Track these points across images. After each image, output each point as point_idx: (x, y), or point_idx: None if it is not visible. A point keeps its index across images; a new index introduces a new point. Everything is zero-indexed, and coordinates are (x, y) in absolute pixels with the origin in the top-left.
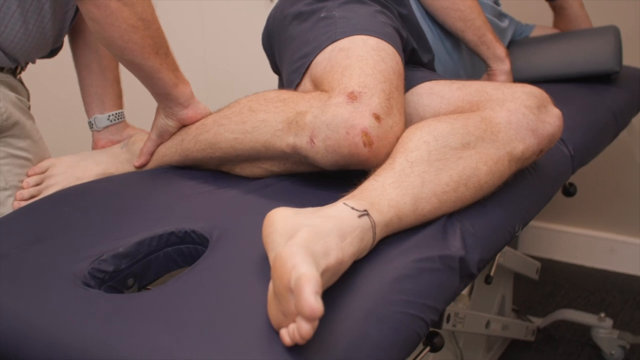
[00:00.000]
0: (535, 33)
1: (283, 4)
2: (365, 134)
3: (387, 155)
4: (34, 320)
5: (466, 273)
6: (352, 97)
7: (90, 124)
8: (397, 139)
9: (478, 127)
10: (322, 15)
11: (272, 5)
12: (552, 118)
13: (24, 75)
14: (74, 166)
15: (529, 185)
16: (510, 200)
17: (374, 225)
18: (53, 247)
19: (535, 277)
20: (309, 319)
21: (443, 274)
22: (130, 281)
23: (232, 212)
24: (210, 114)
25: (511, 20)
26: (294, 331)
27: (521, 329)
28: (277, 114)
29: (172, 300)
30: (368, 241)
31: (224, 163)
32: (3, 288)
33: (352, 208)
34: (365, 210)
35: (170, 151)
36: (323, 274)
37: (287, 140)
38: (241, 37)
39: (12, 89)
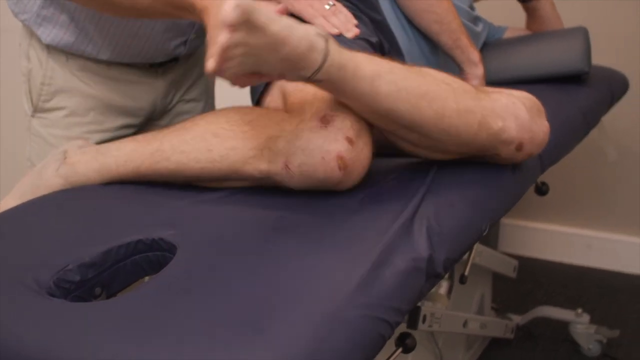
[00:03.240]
0: (507, 35)
1: None
2: (340, 157)
3: (359, 177)
4: None
5: (432, 273)
6: (325, 121)
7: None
8: (368, 160)
9: (465, 88)
10: None
11: None
12: (541, 122)
13: None
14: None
15: (497, 185)
16: (477, 199)
17: (326, 51)
18: (15, 257)
19: (513, 275)
20: (224, 21)
21: (408, 275)
22: (97, 290)
23: (201, 220)
24: None
25: (485, 23)
26: (212, 48)
27: (500, 327)
28: (247, 140)
29: (139, 307)
30: (315, 59)
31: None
32: None
33: (315, 28)
34: (326, 36)
35: (121, 176)
36: (256, 23)
37: (259, 167)
38: None
39: (84, 80)
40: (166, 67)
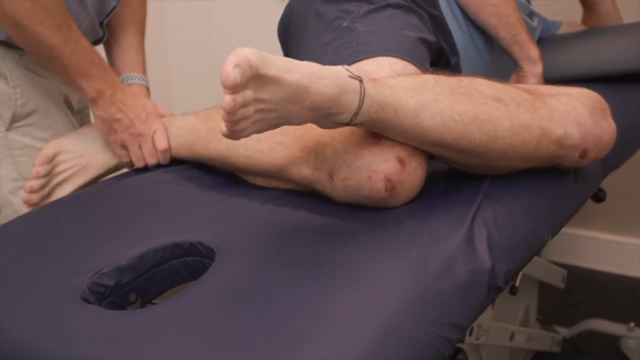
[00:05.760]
0: (563, 30)
1: None
2: (388, 179)
3: (409, 198)
4: (29, 339)
5: (494, 286)
6: (378, 136)
7: None
8: (421, 180)
9: (519, 95)
10: (344, 24)
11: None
12: (606, 123)
13: None
14: (80, 153)
15: (558, 192)
16: (537, 207)
17: (362, 93)
18: (50, 259)
19: (562, 285)
20: (223, 84)
21: (470, 289)
22: (132, 296)
23: (241, 223)
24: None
25: (539, 17)
26: (221, 110)
27: (546, 340)
28: (297, 139)
29: (177, 317)
30: (351, 103)
31: (237, 171)
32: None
33: (347, 69)
34: (360, 77)
35: (177, 147)
36: (268, 77)
37: (303, 171)
38: (250, 35)
39: (42, 73)
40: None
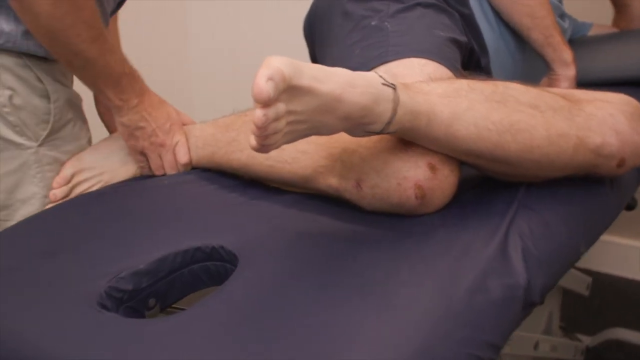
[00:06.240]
0: (593, 32)
1: None
2: (419, 186)
3: (440, 206)
4: (44, 345)
5: (529, 302)
6: (407, 142)
7: None
8: (453, 188)
9: (556, 102)
10: (373, 24)
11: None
12: None
13: None
14: (100, 170)
15: (594, 201)
16: (575, 218)
17: (396, 101)
18: (66, 261)
19: (586, 293)
20: (256, 99)
21: (505, 305)
22: (151, 301)
23: (263, 228)
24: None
25: (570, 18)
26: (251, 124)
27: (570, 349)
28: (321, 147)
29: (200, 327)
30: (384, 111)
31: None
32: (12, 308)
33: (381, 76)
34: (394, 85)
35: (197, 158)
36: (300, 88)
37: (329, 180)
38: (272, 36)
39: (67, 83)
40: None
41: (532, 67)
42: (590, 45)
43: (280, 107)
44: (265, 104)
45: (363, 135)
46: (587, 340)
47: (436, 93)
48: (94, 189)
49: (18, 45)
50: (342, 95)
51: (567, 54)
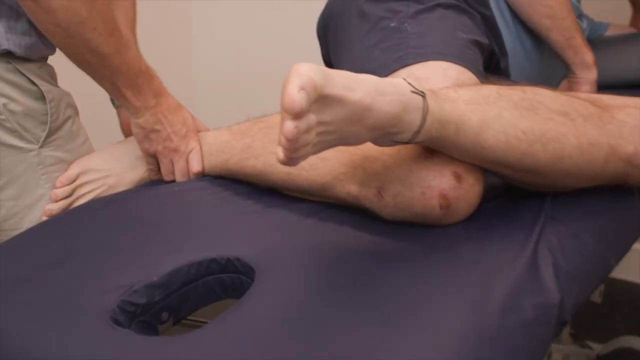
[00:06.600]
0: (610, 32)
1: None
2: (444, 196)
3: (465, 216)
4: None
5: (561, 321)
6: (431, 150)
7: (112, 101)
8: (478, 198)
9: (586, 109)
10: (392, 25)
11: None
12: None
13: None
14: (107, 172)
15: (624, 211)
16: (605, 230)
17: (425, 109)
18: (77, 272)
19: (599, 300)
20: (287, 110)
21: (538, 325)
22: (164, 315)
23: (281, 238)
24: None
25: (587, 18)
26: (280, 136)
27: (582, 357)
28: (341, 153)
29: (218, 348)
30: (413, 120)
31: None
32: (21, 322)
33: (409, 83)
34: (423, 92)
35: (210, 166)
36: (331, 97)
37: (348, 187)
38: (279, 37)
39: (55, 83)
40: None
41: (549, 68)
42: (607, 46)
43: (312, 118)
44: (297, 115)
45: (389, 145)
46: (598, 348)
47: (464, 100)
48: (98, 191)
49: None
50: (372, 104)
51: (588, 56)
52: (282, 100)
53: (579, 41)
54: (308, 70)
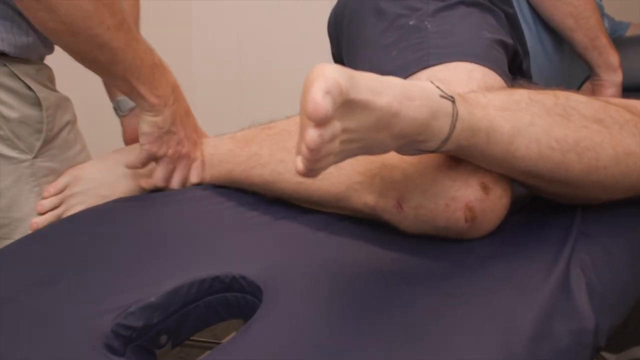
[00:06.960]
0: (630, 32)
1: None
2: (470, 208)
3: (491, 230)
4: None
5: (596, 347)
6: (457, 158)
7: (115, 109)
8: (505, 210)
9: (621, 115)
10: (411, 23)
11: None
12: None
13: None
14: (99, 182)
15: None
16: (638, 244)
17: (455, 115)
18: (68, 292)
19: None
20: (311, 116)
21: (573, 354)
22: (163, 338)
23: (289, 254)
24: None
25: (608, 18)
26: (301, 144)
27: None
28: (356, 161)
29: None
30: (442, 127)
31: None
32: (6, 349)
33: (438, 87)
34: (452, 98)
35: (212, 176)
36: (357, 103)
37: (365, 198)
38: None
39: (53, 87)
40: None
41: (569, 69)
42: (629, 46)
43: (336, 126)
44: (321, 122)
45: (414, 154)
46: (612, 359)
47: (494, 105)
48: (89, 202)
49: None
50: (400, 110)
51: (613, 57)
52: (304, 106)
53: (604, 42)
54: (333, 72)
